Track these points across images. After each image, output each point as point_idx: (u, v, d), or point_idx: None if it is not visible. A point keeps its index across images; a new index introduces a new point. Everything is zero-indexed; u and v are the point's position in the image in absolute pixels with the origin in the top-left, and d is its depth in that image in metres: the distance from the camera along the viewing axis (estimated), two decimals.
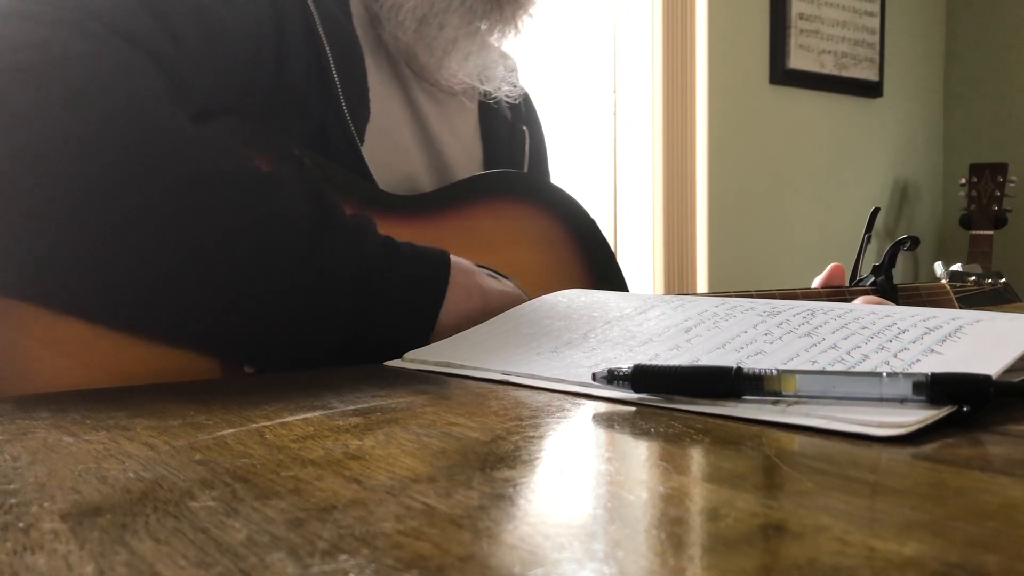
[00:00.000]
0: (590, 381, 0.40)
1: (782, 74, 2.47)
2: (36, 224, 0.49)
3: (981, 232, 2.56)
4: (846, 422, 0.31)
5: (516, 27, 0.78)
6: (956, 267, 1.24)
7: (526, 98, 0.94)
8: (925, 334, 0.40)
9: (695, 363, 0.42)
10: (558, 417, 0.36)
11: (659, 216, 2.31)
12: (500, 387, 0.43)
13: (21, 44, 0.50)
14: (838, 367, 0.39)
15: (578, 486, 0.26)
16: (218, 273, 0.52)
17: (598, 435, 0.34)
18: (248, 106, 0.66)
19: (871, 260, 0.93)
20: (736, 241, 2.42)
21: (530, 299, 0.64)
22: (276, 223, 0.54)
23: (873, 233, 0.97)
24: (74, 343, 0.53)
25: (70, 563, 0.20)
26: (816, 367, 0.39)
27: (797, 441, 0.30)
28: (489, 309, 0.61)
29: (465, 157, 0.85)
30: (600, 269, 0.83)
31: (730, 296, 0.71)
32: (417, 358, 0.53)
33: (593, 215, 0.84)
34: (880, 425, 0.30)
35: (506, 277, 0.75)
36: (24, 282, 0.52)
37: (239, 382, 0.49)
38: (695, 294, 0.77)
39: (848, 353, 0.40)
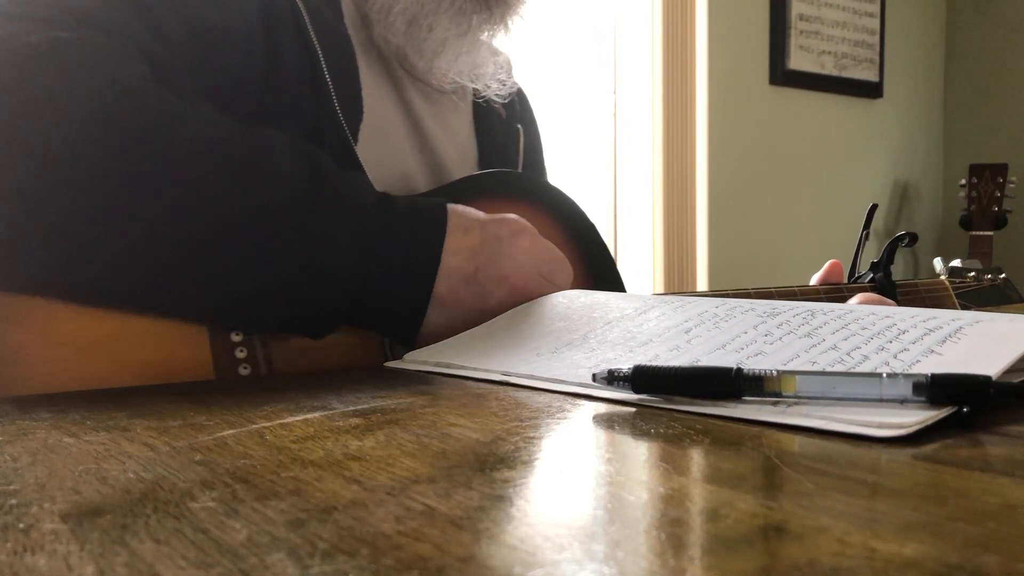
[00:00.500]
0: (590, 382, 0.40)
1: (782, 75, 2.47)
2: (33, 210, 0.49)
3: (981, 233, 2.56)
4: (846, 423, 0.31)
5: (506, 27, 0.78)
6: (956, 263, 1.23)
7: (521, 95, 0.94)
8: (925, 335, 0.40)
9: (695, 364, 0.42)
10: (558, 418, 0.36)
11: (659, 216, 2.31)
12: (500, 388, 0.43)
13: (3, 37, 0.50)
14: (838, 368, 0.39)
15: (578, 487, 0.26)
16: (220, 240, 0.52)
17: (598, 436, 0.34)
18: (238, 108, 0.66)
19: (870, 257, 0.93)
20: (736, 241, 2.42)
21: (529, 227, 0.64)
22: (274, 183, 0.54)
23: (872, 231, 0.97)
24: (69, 342, 0.53)
25: (70, 564, 0.20)
26: (816, 368, 0.39)
27: (797, 442, 0.30)
28: (489, 238, 0.61)
29: (459, 156, 0.85)
30: (597, 269, 0.83)
31: (729, 295, 0.71)
32: (417, 359, 0.53)
33: (593, 215, 0.84)
34: (880, 426, 0.30)
35: None
36: (23, 272, 0.52)
37: (239, 382, 0.49)
38: (694, 293, 0.77)
39: (848, 354, 0.40)
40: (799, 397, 0.34)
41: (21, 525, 0.23)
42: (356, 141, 0.72)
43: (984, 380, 0.32)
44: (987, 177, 2.60)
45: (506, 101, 0.87)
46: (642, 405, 0.38)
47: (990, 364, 0.35)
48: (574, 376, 0.43)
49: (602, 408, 0.38)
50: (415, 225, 0.59)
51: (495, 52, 0.84)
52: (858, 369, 0.38)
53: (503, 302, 0.61)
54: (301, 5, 0.70)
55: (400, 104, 0.80)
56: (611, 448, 0.32)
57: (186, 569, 0.19)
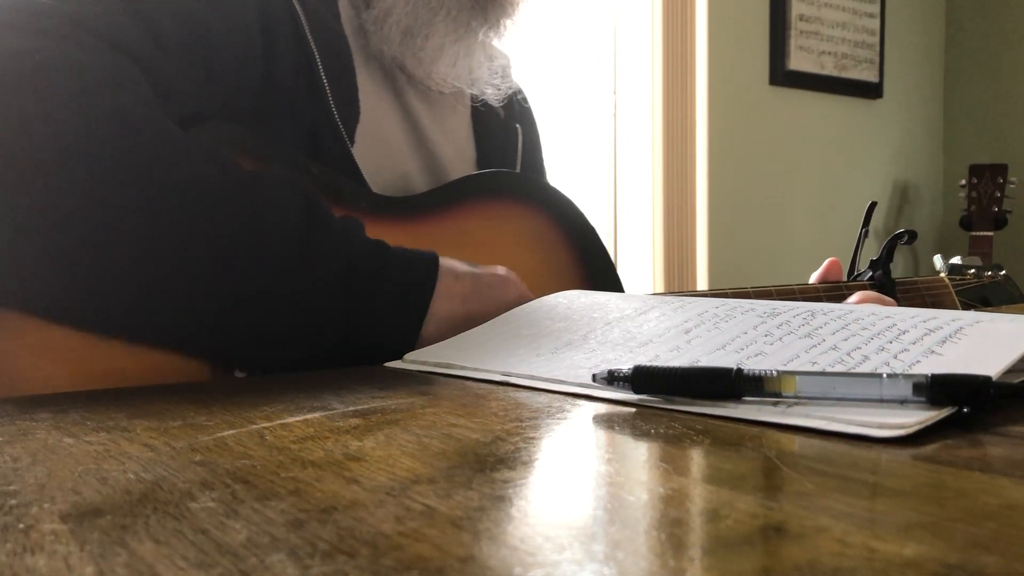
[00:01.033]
0: (590, 382, 0.40)
1: (782, 75, 2.47)
2: (25, 233, 0.49)
3: (981, 233, 2.56)
4: (846, 423, 0.31)
5: (501, 30, 0.78)
6: (956, 260, 1.23)
7: (520, 95, 0.94)
8: (925, 335, 0.40)
9: (695, 364, 0.42)
10: (558, 418, 0.36)
11: (659, 216, 2.31)
12: (500, 388, 0.43)
13: (10, 54, 0.50)
14: (838, 368, 0.39)
15: (578, 487, 0.26)
16: (207, 278, 0.52)
17: (598, 436, 0.34)
18: (237, 110, 0.66)
19: (869, 255, 0.93)
20: (736, 241, 2.42)
21: (523, 287, 0.64)
22: (264, 226, 0.54)
23: (872, 231, 0.97)
24: (63, 350, 0.53)
25: (70, 564, 0.20)
26: (816, 368, 0.39)
27: (797, 442, 0.30)
28: (480, 297, 0.61)
29: (458, 157, 0.85)
30: (595, 270, 0.83)
31: (728, 295, 0.71)
32: (417, 359, 0.53)
33: (593, 216, 0.84)
34: (880, 426, 0.30)
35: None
36: (14, 290, 0.52)
37: (239, 383, 0.49)
38: (694, 293, 0.77)
39: (848, 354, 0.40)
40: (799, 397, 0.34)
41: (21, 525, 0.23)
42: (353, 143, 0.72)
43: (984, 380, 0.32)
44: (987, 177, 2.60)
45: (504, 102, 0.87)
46: (642, 405, 0.38)
47: (990, 364, 0.35)
48: (574, 376, 0.43)
49: (602, 408, 0.38)
50: (406, 272, 0.59)
51: (493, 54, 0.84)
52: (858, 369, 0.38)
53: None
54: (298, 7, 0.70)
55: (398, 105, 0.80)
56: (611, 448, 0.32)
57: (186, 570, 0.19)
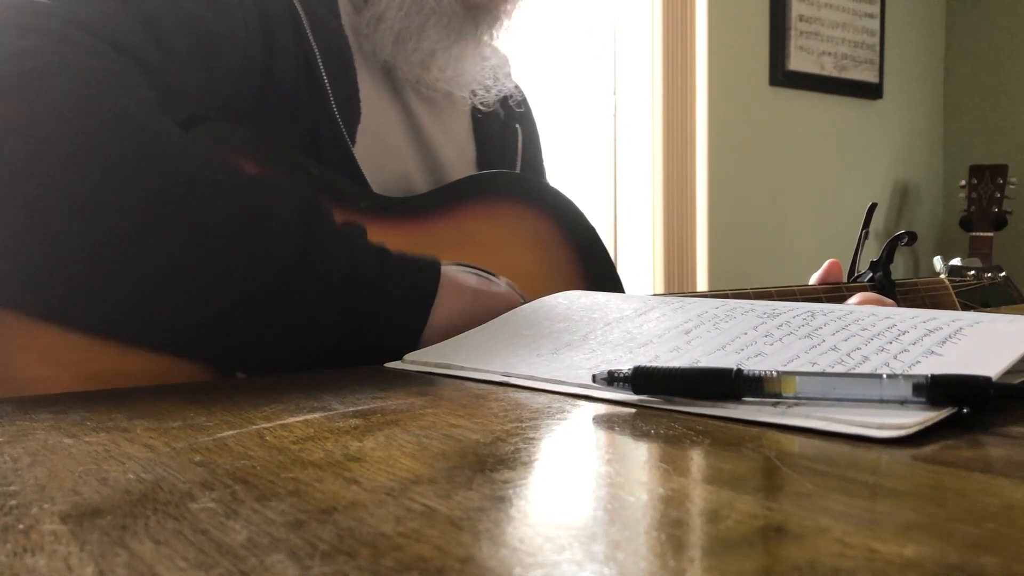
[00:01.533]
0: (590, 383, 0.40)
1: (782, 76, 2.47)
2: (27, 234, 0.49)
3: (981, 234, 2.56)
4: (846, 424, 0.31)
5: (494, 35, 0.79)
6: (955, 261, 1.23)
7: (520, 95, 0.94)
8: (925, 335, 0.40)
9: (695, 365, 0.42)
10: (558, 419, 0.36)
11: (659, 217, 2.31)
12: (500, 389, 0.43)
13: (11, 56, 0.50)
14: (838, 369, 0.39)
15: (578, 488, 0.26)
16: (206, 280, 0.52)
17: (598, 437, 0.34)
18: (238, 111, 0.66)
19: (869, 256, 0.93)
20: (736, 242, 2.42)
21: (525, 300, 0.64)
22: (264, 229, 0.54)
23: (872, 232, 0.97)
24: (63, 351, 0.53)
25: (70, 564, 0.20)
26: (816, 369, 0.39)
27: (797, 443, 0.30)
28: (479, 314, 0.61)
29: (458, 157, 0.85)
30: (596, 270, 0.83)
31: (728, 296, 0.71)
32: (417, 360, 0.53)
33: (593, 216, 0.84)
34: (880, 427, 0.30)
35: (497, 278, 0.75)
36: (13, 292, 0.52)
37: (239, 384, 0.49)
38: (694, 293, 0.77)
39: (848, 355, 0.40)
40: (799, 398, 0.34)
41: (21, 526, 0.23)
42: (354, 143, 0.72)
43: (984, 381, 0.32)
44: (987, 178, 2.60)
45: (504, 101, 0.87)
46: (642, 406, 0.38)
47: (990, 365, 0.35)
48: (574, 377, 0.43)
49: (602, 409, 0.38)
50: (406, 279, 0.59)
51: (487, 56, 0.84)
52: (858, 370, 0.38)
53: None
54: (299, 7, 0.70)
55: (398, 105, 0.80)
56: (611, 449, 0.32)
57: (186, 570, 0.19)
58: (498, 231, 0.77)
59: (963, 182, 2.64)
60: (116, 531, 0.22)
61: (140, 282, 0.51)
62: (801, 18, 2.48)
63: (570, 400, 0.40)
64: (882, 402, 0.33)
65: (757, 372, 0.35)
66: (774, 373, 0.35)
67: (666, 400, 0.38)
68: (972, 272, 1.14)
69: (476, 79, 0.81)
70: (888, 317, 0.44)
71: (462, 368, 0.49)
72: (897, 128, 2.85)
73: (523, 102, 0.95)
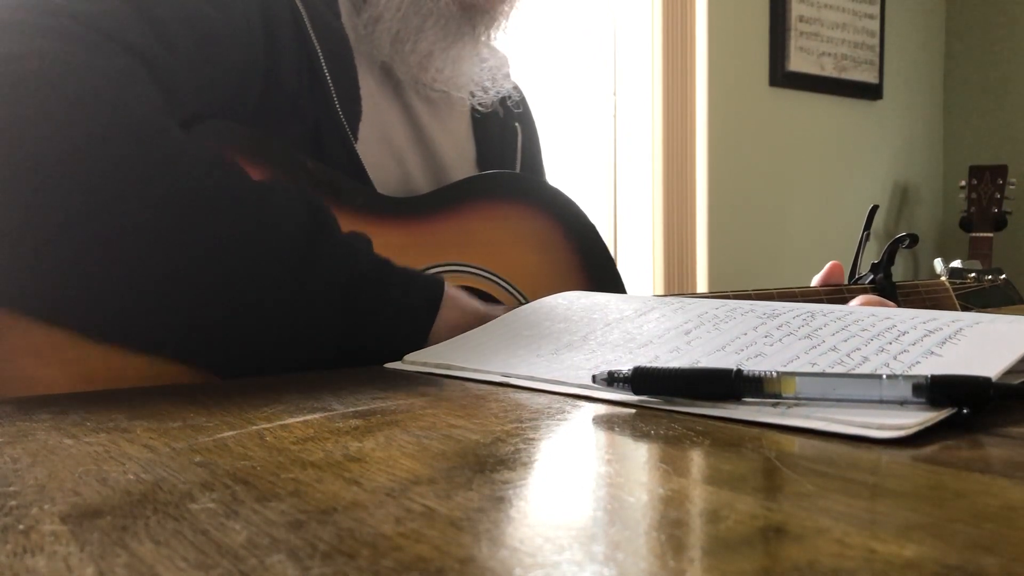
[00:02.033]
0: (590, 383, 0.40)
1: (782, 76, 2.47)
2: (28, 234, 0.49)
3: (981, 234, 2.56)
4: (846, 424, 0.31)
5: (492, 36, 0.79)
6: (956, 263, 1.23)
7: (519, 94, 0.94)
8: (925, 336, 0.40)
9: (695, 365, 0.42)
10: (558, 419, 0.36)
11: (659, 218, 2.31)
12: (500, 389, 0.43)
13: (16, 55, 0.50)
14: (838, 369, 0.39)
15: (578, 488, 0.26)
16: (209, 285, 0.52)
17: (598, 437, 0.34)
18: (241, 109, 0.66)
19: (870, 258, 0.93)
20: (736, 243, 2.42)
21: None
22: (267, 236, 0.54)
23: (872, 232, 0.97)
24: (63, 351, 0.53)
25: (70, 565, 0.20)
26: (816, 369, 0.39)
27: (797, 443, 0.30)
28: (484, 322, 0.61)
29: (458, 155, 0.85)
30: (598, 270, 0.83)
31: (729, 296, 0.71)
32: (417, 360, 0.53)
33: (593, 217, 0.84)
34: (880, 427, 0.30)
35: (510, 285, 0.75)
36: (14, 291, 0.52)
37: (239, 384, 0.49)
38: (694, 294, 0.77)
39: (848, 355, 0.40)
40: (799, 398, 0.34)
41: (21, 526, 0.23)
42: (356, 140, 0.72)
43: (984, 381, 0.32)
44: (987, 178, 2.60)
45: (503, 100, 0.87)
46: (642, 406, 0.38)
47: (990, 365, 0.35)
48: (574, 377, 0.43)
49: (602, 409, 0.38)
50: (409, 294, 0.59)
51: (486, 57, 0.84)
52: (858, 370, 0.38)
53: None
54: (300, 6, 0.70)
55: (399, 104, 0.80)
56: (611, 449, 0.32)
57: (186, 571, 0.19)
58: (500, 231, 0.77)
59: (963, 183, 2.65)
60: (116, 531, 0.22)
61: (140, 284, 0.51)
62: (801, 19, 2.49)
63: (570, 400, 0.40)
64: (882, 403, 0.33)
65: (757, 372, 0.35)
66: (774, 374, 0.35)
67: (666, 400, 0.38)
68: (972, 274, 1.14)
69: (474, 80, 0.81)
70: (888, 318, 0.44)
71: (462, 369, 0.49)
72: (897, 129, 2.85)
73: (522, 101, 0.95)
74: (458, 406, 0.39)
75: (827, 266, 0.88)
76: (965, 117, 2.94)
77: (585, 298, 0.60)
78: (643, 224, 2.33)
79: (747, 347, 0.44)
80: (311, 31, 0.70)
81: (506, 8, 0.78)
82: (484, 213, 0.77)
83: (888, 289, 0.91)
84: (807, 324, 0.45)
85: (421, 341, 0.58)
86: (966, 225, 2.61)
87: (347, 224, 0.62)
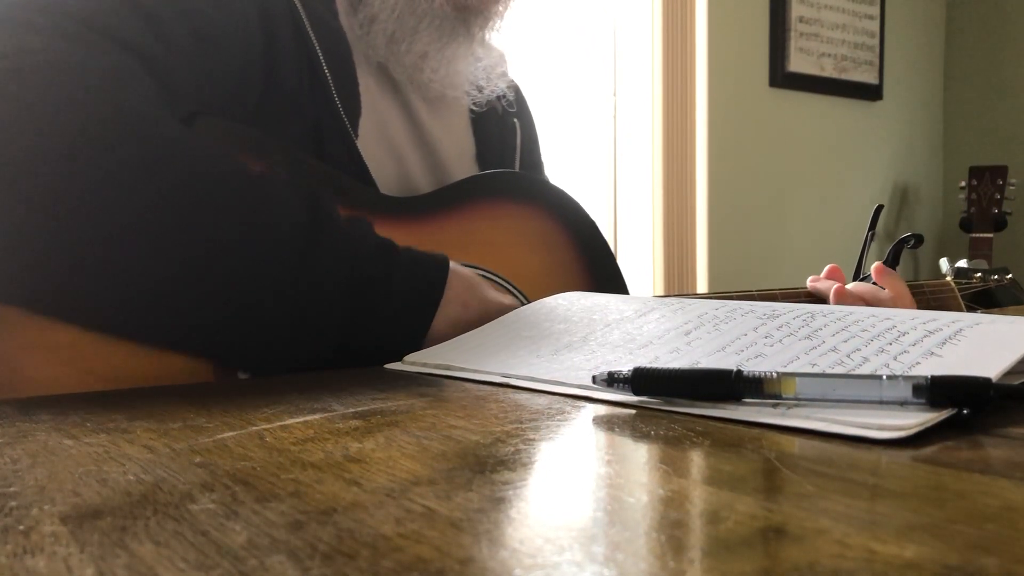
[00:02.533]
0: (590, 384, 0.40)
1: (782, 77, 2.47)
2: (28, 230, 0.49)
3: (981, 235, 2.56)
4: (846, 425, 0.31)
5: (487, 35, 0.79)
6: (962, 263, 1.22)
7: (517, 91, 0.94)
8: (925, 337, 0.40)
9: (695, 366, 0.42)
10: (558, 420, 0.36)
11: (659, 218, 2.31)
12: (500, 390, 0.43)
13: (12, 52, 0.50)
14: (838, 370, 0.39)
15: (578, 489, 0.26)
16: (211, 278, 0.52)
17: (598, 438, 0.34)
18: (240, 107, 0.66)
19: (874, 258, 0.93)
20: (736, 244, 2.42)
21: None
22: (268, 227, 0.54)
23: (876, 232, 0.97)
24: (67, 349, 0.53)
25: (70, 566, 0.20)
26: (816, 370, 0.39)
27: (797, 444, 0.30)
28: (488, 321, 0.61)
29: (458, 152, 0.85)
30: (600, 271, 0.83)
31: (732, 297, 0.71)
32: (417, 361, 0.53)
33: (593, 217, 0.84)
34: (880, 428, 0.30)
35: (512, 285, 0.75)
36: (16, 288, 0.52)
37: (239, 385, 0.49)
38: (694, 294, 0.77)
39: (848, 356, 0.40)
40: (799, 399, 0.34)
41: (21, 527, 0.23)
42: (356, 137, 0.72)
43: (984, 382, 0.32)
44: (987, 179, 2.60)
45: (501, 97, 0.87)
46: (642, 407, 0.38)
47: (990, 366, 0.35)
48: (574, 378, 0.43)
49: (602, 410, 0.38)
50: (414, 274, 0.58)
51: (481, 57, 0.84)
52: (858, 371, 0.38)
53: None
54: (298, 4, 0.70)
55: (397, 102, 0.80)
56: (611, 450, 0.32)
57: (186, 571, 0.19)
58: (502, 231, 0.77)
59: (963, 183, 2.64)
60: (116, 532, 0.22)
61: (142, 279, 0.51)
62: (801, 19, 2.49)
63: (570, 401, 0.40)
64: (882, 403, 0.33)
65: (757, 373, 0.35)
66: (774, 374, 0.35)
67: (666, 401, 0.38)
68: (978, 275, 1.13)
69: (469, 80, 0.81)
70: (888, 318, 0.44)
71: (462, 369, 0.49)
72: (897, 129, 2.85)
73: (520, 98, 0.95)
74: (458, 407, 0.39)
75: (826, 269, 0.88)
76: (965, 117, 2.94)
77: (585, 299, 0.60)
78: (643, 224, 2.33)
79: (747, 348, 0.44)
80: (310, 29, 0.70)
81: (500, 8, 0.78)
82: (486, 213, 0.77)
83: None
84: (807, 325, 0.45)
85: (429, 318, 0.58)
86: (966, 225, 2.61)
87: None
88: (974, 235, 2.58)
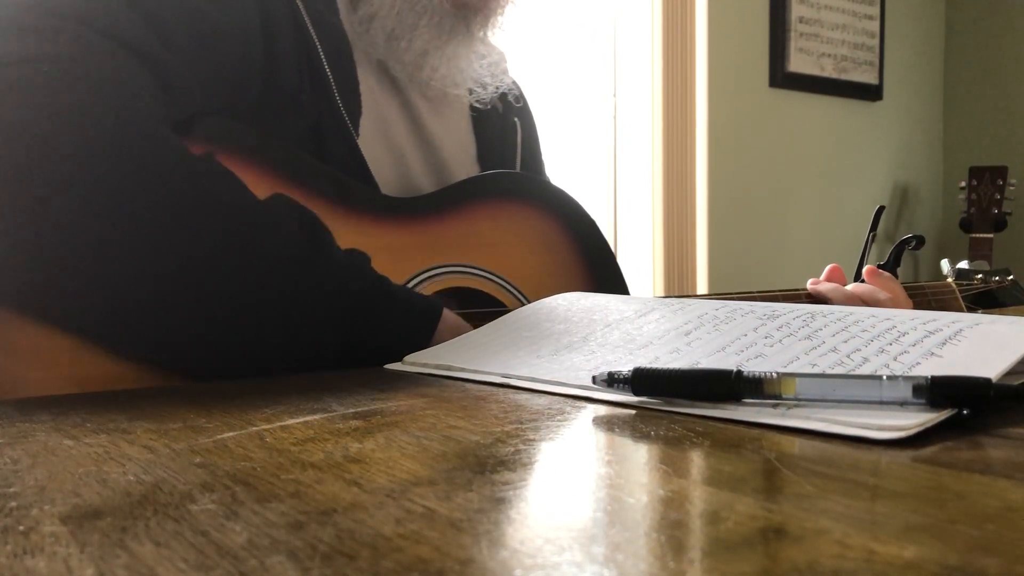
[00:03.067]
0: (590, 384, 0.40)
1: (782, 77, 2.47)
2: (25, 237, 0.49)
3: (981, 235, 2.56)
4: (846, 425, 0.31)
5: (488, 32, 0.79)
6: (963, 264, 1.22)
7: (517, 90, 0.94)
8: (925, 337, 0.40)
9: (695, 366, 0.42)
10: (558, 420, 0.36)
11: (659, 219, 2.31)
12: (500, 390, 0.43)
13: (15, 56, 0.50)
14: (838, 370, 0.39)
15: (578, 489, 0.26)
16: (203, 295, 0.52)
17: (598, 438, 0.34)
18: (241, 105, 0.66)
19: (875, 259, 0.93)
20: (736, 244, 2.42)
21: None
22: (265, 251, 0.54)
23: (877, 233, 0.97)
24: (59, 355, 0.53)
25: (70, 566, 0.20)
26: (816, 370, 0.39)
27: (797, 444, 0.30)
28: None
29: (458, 152, 0.85)
30: (600, 271, 0.83)
31: (730, 297, 0.71)
32: (417, 361, 0.53)
33: (593, 217, 0.84)
34: (880, 428, 0.30)
35: (511, 285, 0.75)
36: (11, 294, 0.52)
37: (239, 385, 0.49)
38: (694, 295, 0.77)
39: (848, 356, 0.40)
40: (799, 399, 0.34)
41: (21, 527, 0.23)
42: (357, 135, 0.72)
43: (984, 382, 0.32)
44: (987, 179, 2.60)
45: (502, 96, 0.87)
46: (642, 407, 0.38)
47: (990, 366, 0.35)
48: (574, 378, 0.43)
49: (602, 410, 0.38)
50: (407, 314, 0.58)
51: (482, 55, 0.84)
52: (858, 371, 0.38)
53: None
54: (299, 2, 0.70)
55: (398, 101, 0.80)
56: (611, 450, 0.32)
57: (186, 572, 0.19)
58: (503, 232, 0.77)
59: (963, 183, 2.64)
60: (116, 533, 0.22)
61: (136, 288, 0.51)
62: (801, 20, 2.49)
63: (570, 401, 0.40)
64: (882, 403, 0.33)
65: (757, 373, 0.35)
66: (774, 374, 0.35)
67: (666, 401, 0.38)
68: (980, 276, 1.13)
69: (471, 77, 0.81)
70: (888, 318, 0.44)
71: (462, 370, 0.49)
72: (897, 130, 2.85)
73: (521, 97, 0.95)
74: (458, 407, 0.39)
75: (827, 269, 0.88)
76: (965, 118, 2.94)
77: (585, 299, 0.60)
78: (643, 224, 2.33)
79: (747, 348, 0.44)
80: (310, 28, 0.70)
81: (500, 5, 0.78)
82: (486, 214, 0.77)
83: None
84: (807, 325, 0.45)
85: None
86: (966, 226, 2.61)
87: (349, 224, 0.62)
88: (974, 235, 2.58)
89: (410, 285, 0.69)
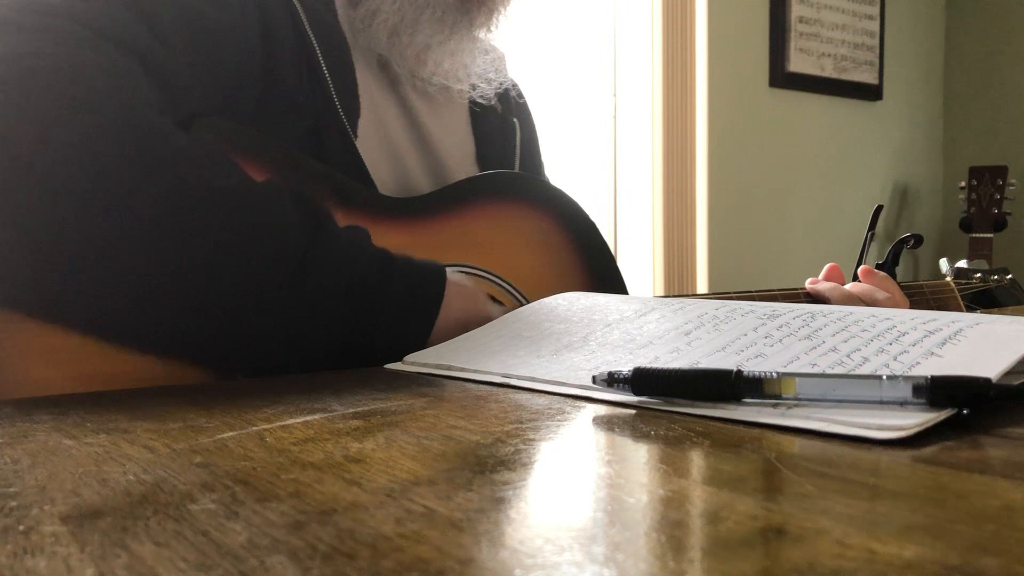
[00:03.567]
0: (590, 384, 0.40)
1: (782, 77, 2.47)
2: (28, 235, 0.49)
3: (981, 235, 2.56)
4: (846, 425, 0.31)
5: (489, 28, 0.79)
6: (961, 263, 1.22)
7: (516, 90, 0.94)
8: (925, 337, 0.40)
9: (695, 366, 0.42)
10: (558, 420, 0.36)
11: (659, 219, 2.31)
12: (500, 390, 0.43)
13: (11, 54, 0.50)
14: (838, 370, 0.39)
15: (578, 489, 0.26)
16: (208, 286, 0.52)
17: (598, 438, 0.34)
18: (240, 106, 0.66)
19: (874, 258, 0.93)
20: (736, 244, 2.42)
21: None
22: (266, 235, 0.54)
23: (875, 232, 0.97)
24: (65, 353, 0.53)
25: (70, 566, 0.20)
26: (816, 370, 0.39)
27: (797, 444, 0.30)
28: (485, 319, 0.61)
29: (457, 152, 0.85)
30: (600, 271, 0.83)
31: (730, 297, 0.71)
32: (417, 361, 0.53)
33: (593, 217, 0.84)
34: (880, 428, 0.30)
35: (511, 285, 0.75)
36: (15, 293, 0.52)
37: (239, 385, 0.49)
38: (694, 294, 0.77)
39: (848, 356, 0.40)
40: (799, 399, 0.34)
41: (21, 527, 0.23)
42: (355, 137, 0.72)
43: (984, 382, 0.32)
44: (987, 179, 2.60)
45: (500, 94, 0.87)
46: (642, 407, 0.38)
47: (990, 366, 0.35)
48: (574, 378, 0.43)
49: (602, 410, 0.38)
50: (412, 283, 0.58)
51: (485, 50, 0.84)
52: (858, 371, 0.38)
53: None
54: (297, 3, 0.70)
55: (396, 100, 0.80)
56: (611, 450, 0.32)
57: (186, 571, 0.19)
58: (502, 232, 0.77)
59: (963, 183, 2.65)
60: (116, 532, 0.22)
61: (140, 284, 0.51)
62: (801, 20, 2.49)
63: (570, 401, 0.40)
64: (882, 403, 0.33)
65: (757, 373, 0.35)
66: (774, 374, 0.35)
67: (666, 401, 0.38)
68: (978, 275, 1.13)
69: (474, 72, 0.81)
70: (888, 318, 0.44)
71: (462, 369, 0.49)
72: (897, 129, 2.85)
73: (520, 97, 0.95)
74: (458, 407, 0.39)
75: (825, 268, 0.88)
76: (965, 117, 2.94)
77: (585, 299, 0.60)
78: (643, 224, 2.34)
79: (747, 348, 0.44)
80: (309, 29, 0.70)
81: (503, 1, 0.78)
82: (485, 214, 0.77)
83: None
84: (807, 325, 0.45)
85: (428, 328, 0.58)
86: (966, 226, 2.61)
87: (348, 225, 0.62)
88: (974, 235, 2.58)
89: None
